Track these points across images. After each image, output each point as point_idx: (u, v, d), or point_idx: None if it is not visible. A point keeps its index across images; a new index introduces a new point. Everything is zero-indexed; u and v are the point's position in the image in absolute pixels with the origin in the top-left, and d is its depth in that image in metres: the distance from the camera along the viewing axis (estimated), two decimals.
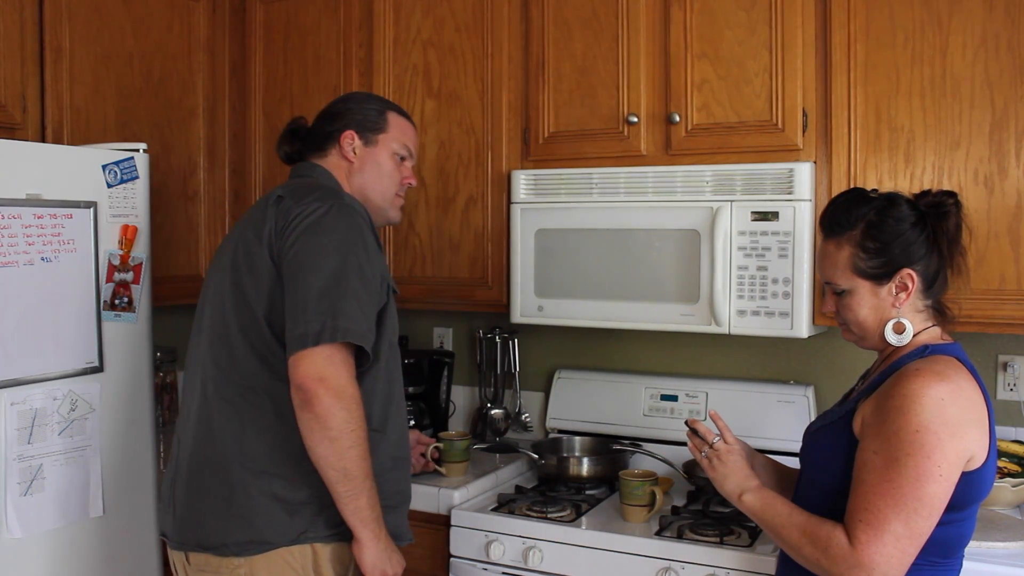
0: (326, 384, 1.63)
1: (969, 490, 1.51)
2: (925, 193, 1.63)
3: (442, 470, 2.44)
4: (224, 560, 1.76)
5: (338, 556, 1.80)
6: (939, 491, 1.45)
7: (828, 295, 1.68)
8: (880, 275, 1.59)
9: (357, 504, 1.70)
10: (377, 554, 1.74)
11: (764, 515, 1.62)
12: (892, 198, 1.62)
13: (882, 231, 1.58)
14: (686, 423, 1.83)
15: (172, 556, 1.89)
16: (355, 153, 1.97)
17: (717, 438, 1.74)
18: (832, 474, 1.58)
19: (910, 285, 1.58)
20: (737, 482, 1.69)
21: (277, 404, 1.75)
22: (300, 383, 1.64)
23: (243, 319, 1.79)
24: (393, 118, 2.02)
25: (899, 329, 1.60)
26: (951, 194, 1.61)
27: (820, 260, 1.68)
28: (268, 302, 1.76)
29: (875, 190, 1.67)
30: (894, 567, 1.45)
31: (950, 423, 1.45)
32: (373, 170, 1.98)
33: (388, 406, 1.85)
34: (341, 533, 1.77)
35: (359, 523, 1.71)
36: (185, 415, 1.91)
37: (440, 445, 2.48)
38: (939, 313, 1.64)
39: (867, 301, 1.61)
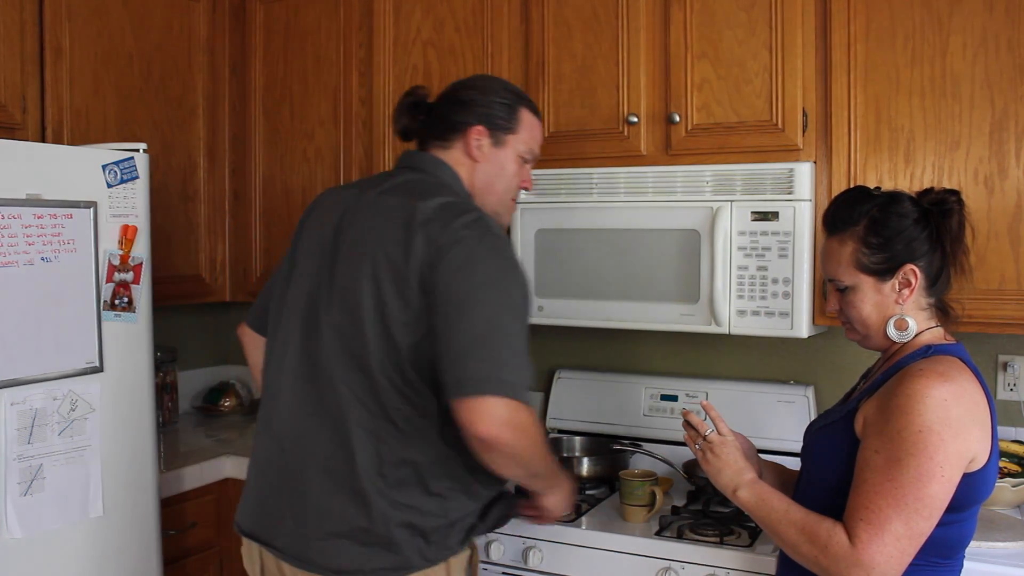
0: (505, 428, 1.58)
1: (971, 491, 1.51)
2: (928, 191, 1.63)
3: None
4: None
5: (465, 562, 1.79)
6: (940, 491, 1.45)
7: (831, 293, 1.68)
8: (883, 271, 1.59)
9: (541, 484, 1.83)
10: (555, 503, 1.90)
11: (759, 511, 1.60)
12: (895, 195, 1.63)
13: (885, 227, 1.58)
14: (682, 413, 1.82)
15: (264, 560, 1.81)
16: (482, 152, 1.84)
17: (711, 430, 1.72)
18: (833, 473, 1.58)
19: (913, 281, 1.58)
20: (731, 476, 1.66)
21: (414, 439, 1.69)
22: (477, 435, 1.57)
23: (388, 346, 1.67)
24: (525, 116, 1.88)
25: (901, 326, 1.60)
26: (954, 192, 1.61)
27: (823, 257, 1.68)
28: (416, 335, 1.65)
29: (878, 188, 1.68)
30: (893, 567, 1.45)
31: (953, 424, 1.45)
32: (497, 172, 1.86)
33: None
34: (467, 540, 1.78)
35: (547, 490, 1.85)
36: (284, 415, 1.78)
37: None
38: (942, 312, 1.64)
39: (870, 298, 1.61)
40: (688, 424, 1.75)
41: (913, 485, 1.44)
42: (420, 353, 1.65)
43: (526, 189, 1.96)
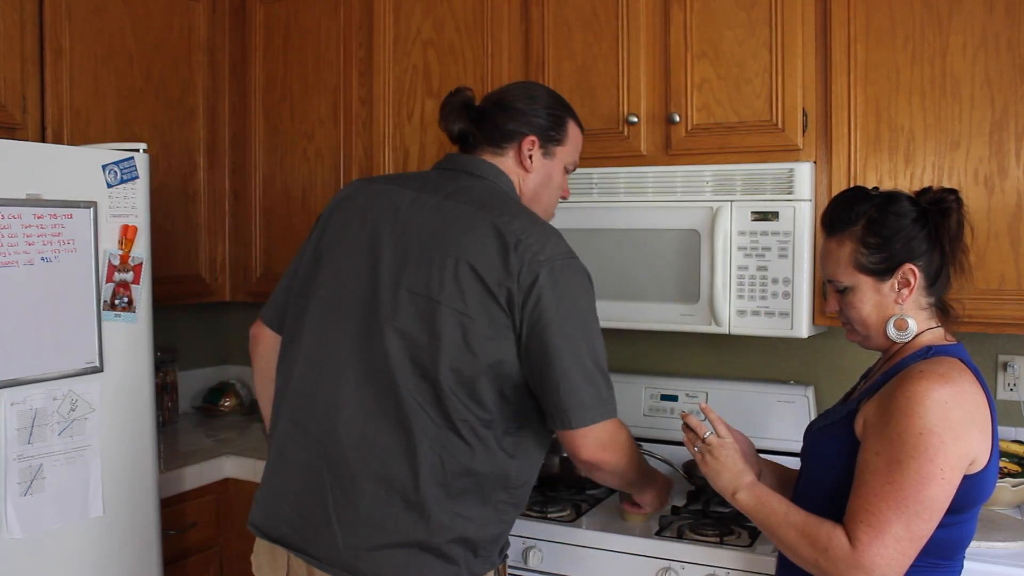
0: (610, 451, 1.71)
1: (971, 493, 1.51)
2: (926, 190, 1.63)
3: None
4: None
5: (503, 572, 1.82)
6: (941, 494, 1.45)
7: (831, 294, 1.67)
8: (882, 271, 1.59)
9: (635, 487, 1.99)
10: (649, 500, 2.05)
11: (759, 513, 1.60)
12: (893, 195, 1.63)
13: (883, 226, 1.58)
14: (681, 416, 1.81)
15: (293, 566, 1.75)
16: (532, 162, 1.84)
17: (709, 432, 1.71)
18: (834, 474, 1.58)
19: (912, 281, 1.58)
20: (730, 479, 1.66)
21: (478, 446, 1.67)
22: (587, 460, 1.70)
23: (463, 358, 1.64)
24: (572, 129, 1.90)
25: (901, 326, 1.59)
26: (952, 191, 1.61)
27: (822, 258, 1.68)
28: (499, 351, 1.64)
29: (876, 188, 1.68)
30: (894, 569, 1.45)
31: (953, 426, 1.45)
32: (545, 183, 1.87)
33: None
34: (499, 559, 1.81)
35: (639, 491, 2.02)
36: (334, 419, 1.71)
37: None
38: (942, 312, 1.64)
39: (870, 298, 1.61)
40: (687, 427, 1.75)
41: (913, 487, 1.44)
42: (501, 370, 1.65)
43: (564, 199, 1.98)
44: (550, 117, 1.86)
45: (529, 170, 1.85)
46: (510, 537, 2.19)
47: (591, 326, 1.70)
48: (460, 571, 1.69)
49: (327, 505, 1.69)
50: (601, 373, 1.69)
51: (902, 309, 1.60)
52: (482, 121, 1.85)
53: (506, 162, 1.84)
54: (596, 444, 1.68)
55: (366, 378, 1.69)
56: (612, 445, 1.71)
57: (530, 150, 1.83)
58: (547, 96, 1.90)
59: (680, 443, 2.24)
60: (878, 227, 1.59)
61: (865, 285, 1.61)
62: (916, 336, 1.60)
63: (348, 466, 1.68)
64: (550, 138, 1.86)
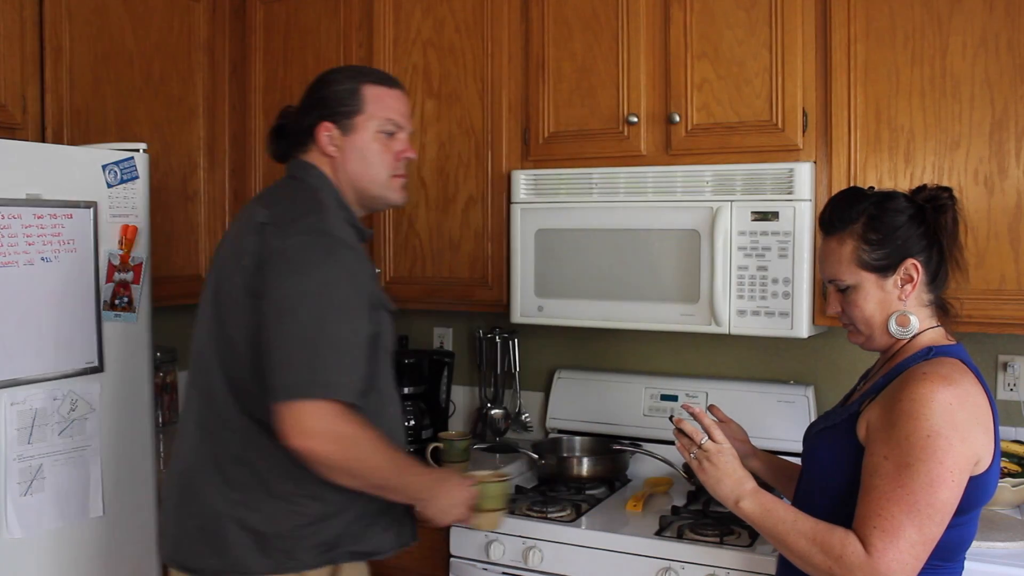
0: (318, 438, 1.58)
1: (975, 494, 1.50)
2: (921, 188, 1.63)
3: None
4: None
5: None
6: (951, 496, 1.44)
7: (832, 295, 1.66)
8: (885, 266, 1.58)
9: (401, 496, 1.75)
10: (434, 514, 1.78)
11: (765, 522, 1.57)
12: (889, 193, 1.63)
13: (883, 223, 1.58)
14: (671, 419, 1.76)
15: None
16: (335, 146, 1.81)
17: (705, 438, 1.67)
18: (838, 478, 1.57)
19: (915, 275, 1.57)
20: (731, 487, 1.62)
21: (249, 440, 1.71)
22: (291, 444, 1.58)
23: (222, 351, 1.73)
24: (369, 92, 1.82)
25: (903, 322, 1.58)
26: (946, 189, 1.61)
27: (823, 259, 1.67)
28: (247, 339, 1.68)
29: (872, 188, 1.68)
30: (908, 573, 1.44)
31: (960, 427, 1.45)
32: (358, 160, 1.82)
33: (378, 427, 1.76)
34: (331, 557, 1.74)
35: (412, 501, 1.78)
36: (183, 425, 1.85)
37: (440, 445, 2.48)
38: (942, 311, 1.64)
39: (873, 295, 1.60)
40: (680, 432, 1.70)
41: (925, 491, 1.43)
42: (253, 354, 1.68)
43: (409, 158, 1.89)
44: (338, 94, 1.82)
45: (335, 155, 1.82)
46: (509, 536, 2.20)
47: (328, 300, 1.63)
48: (244, 561, 1.70)
49: (168, 500, 1.86)
50: (333, 352, 1.60)
51: (905, 305, 1.59)
52: (284, 131, 1.89)
53: (313, 156, 1.84)
54: (306, 429, 1.57)
55: (191, 377, 1.85)
56: (332, 435, 1.58)
57: (328, 135, 1.81)
58: (338, 74, 1.87)
59: None
60: (878, 223, 1.58)
61: (868, 283, 1.60)
62: (917, 336, 1.60)
63: (176, 462, 1.85)
64: (343, 114, 1.81)
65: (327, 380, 1.59)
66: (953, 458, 1.43)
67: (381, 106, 1.83)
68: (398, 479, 1.70)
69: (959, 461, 1.44)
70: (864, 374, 1.77)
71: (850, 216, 1.61)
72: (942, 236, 1.59)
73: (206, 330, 1.79)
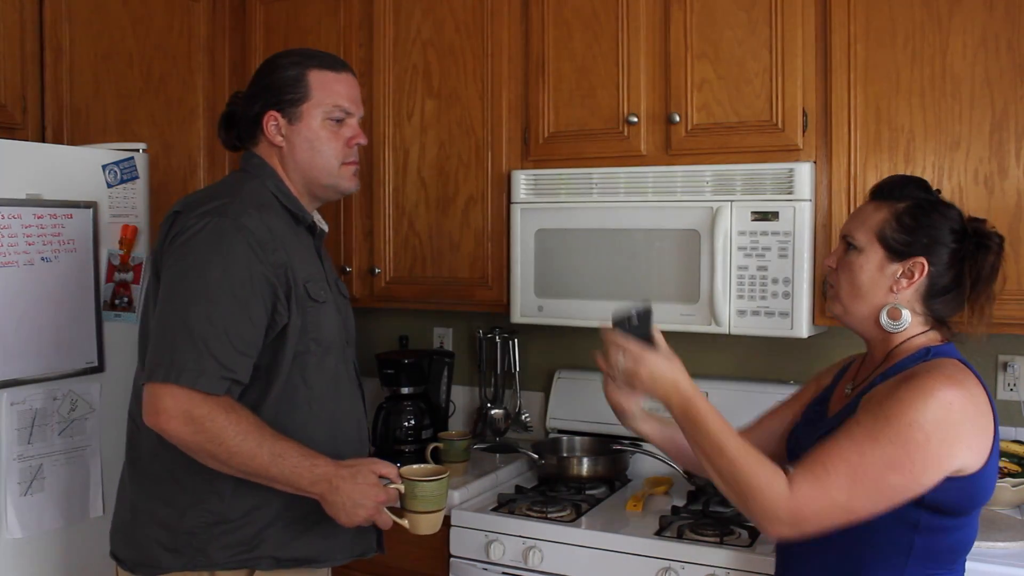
0: (171, 419, 1.56)
1: (966, 495, 1.48)
2: (978, 220, 1.60)
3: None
4: (123, 574, 1.77)
5: None
6: (900, 485, 1.41)
7: (837, 250, 1.64)
8: (898, 251, 1.56)
9: (289, 487, 1.63)
10: (337, 511, 1.63)
11: (707, 417, 1.48)
12: (948, 202, 1.60)
13: (923, 215, 1.56)
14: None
15: None
16: (282, 136, 1.77)
17: (621, 358, 1.58)
18: None
19: (916, 275, 1.55)
20: (670, 373, 1.57)
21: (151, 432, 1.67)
22: (147, 422, 1.60)
23: (143, 340, 1.74)
24: (315, 77, 1.77)
25: (895, 315, 1.56)
26: (1000, 235, 1.58)
27: (853, 216, 1.65)
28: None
29: (939, 190, 1.65)
30: (813, 527, 1.41)
31: (947, 430, 1.42)
32: (306, 149, 1.77)
33: (309, 421, 1.72)
34: (249, 560, 1.69)
35: (304, 493, 1.63)
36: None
37: (440, 445, 2.48)
38: (940, 325, 1.61)
39: (871, 269, 1.57)
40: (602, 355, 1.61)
41: (876, 466, 1.40)
42: None
43: (359, 144, 1.84)
44: (283, 80, 1.77)
45: (281, 144, 1.78)
46: (509, 536, 2.20)
47: (201, 285, 1.60)
48: (154, 554, 1.70)
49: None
50: (189, 335, 1.58)
51: (895, 299, 1.58)
52: (233, 121, 1.85)
53: (262, 148, 1.81)
54: (158, 409, 1.57)
55: None
56: (186, 416, 1.55)
57: (275, 124, 1.77)
58: (283, 60, 1.81)
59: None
60: (918, 213, 1.56)
61: (874, 256, 1.57)
62: (910, 339, 1.58)
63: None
64: (289, 102, 1.76)
65: (183, 365, 1.56)
66: (923, 455, 1.40)
67: (328, 92, 1.78)
68: (276, 468, 1.59)
69: (928, 460, 1.41)
70: (838, 374, 1.74)
71: (901, 193, 1.59)
72: (969, 270, 1.55)
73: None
